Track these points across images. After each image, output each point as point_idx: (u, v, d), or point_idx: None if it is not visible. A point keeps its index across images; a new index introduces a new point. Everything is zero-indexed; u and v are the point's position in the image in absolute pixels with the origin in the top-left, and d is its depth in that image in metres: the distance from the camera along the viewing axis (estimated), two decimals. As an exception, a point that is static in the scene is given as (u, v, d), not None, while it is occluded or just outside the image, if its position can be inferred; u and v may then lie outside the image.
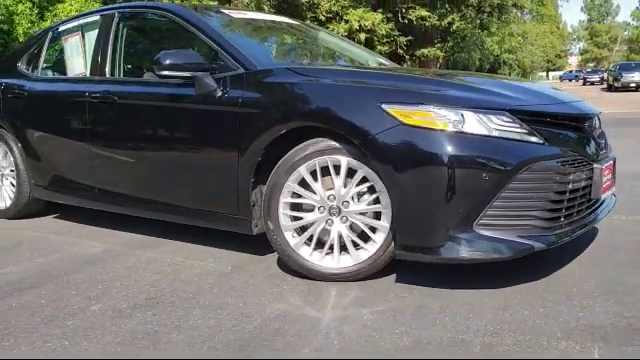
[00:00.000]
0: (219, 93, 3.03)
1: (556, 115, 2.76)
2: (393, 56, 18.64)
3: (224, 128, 3.01)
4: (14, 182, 4.34)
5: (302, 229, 2.81)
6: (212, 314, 2.44)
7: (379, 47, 15.74)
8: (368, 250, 2.72)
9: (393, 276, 2.81)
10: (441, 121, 2.49)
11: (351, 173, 2.70)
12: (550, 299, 2.49)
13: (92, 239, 3.74)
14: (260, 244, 3.20)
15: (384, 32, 15.22)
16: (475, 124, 2.49)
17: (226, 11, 3.86)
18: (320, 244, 2.79)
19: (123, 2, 4.85)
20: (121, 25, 3.79)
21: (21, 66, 4.40)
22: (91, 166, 3.72)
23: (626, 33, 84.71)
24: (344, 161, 2.68)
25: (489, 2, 16.27)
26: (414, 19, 16.30)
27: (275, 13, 13.35)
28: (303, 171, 2.73)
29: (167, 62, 3.02)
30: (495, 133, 2.50)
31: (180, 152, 3.26)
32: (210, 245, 3.45)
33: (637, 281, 2.67)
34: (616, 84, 31.46)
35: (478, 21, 18.86)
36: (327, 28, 14.72)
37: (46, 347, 2.17)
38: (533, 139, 2.55)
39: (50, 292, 2.78)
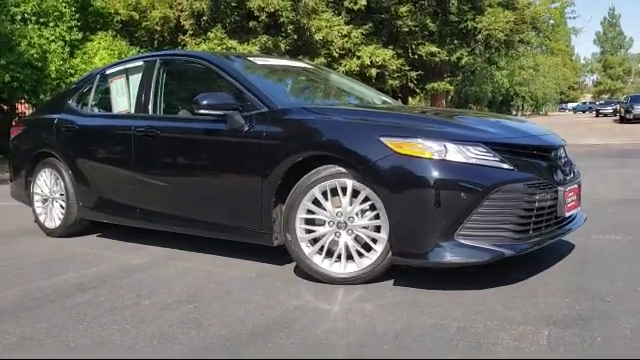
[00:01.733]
0: (247, 128, 3.65)
1: (524, 146, 3.34)
2: (404, 90, 19.37)
3: (251, 157, 3.62)
4: (63, 204, 4.96)
5: (315, 240, 3.39)
6: (241, 307, 3.01)
7: (390, 81, 16.48)
8: (370, 258, 3.28)
9: (391, 280, 3.36)
10: (428, 151, 3.07)
11: (355, 193, 3.28)
12: (519, 297, 3.03)
13: (133, 252, 4.34)
14: (278, 255, 3.77)
15: (395, 67, 15.95)
16: (455, 153, 3.08)
17: (251, 58, 4.53)
18: (329, 253, 3.35)
19: (164, 50, 5.51)
20: (161, 70, 4.45)
21: (72, 103, 5.07)
22: (134, 189, 4.34)
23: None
24: (350, 184, 3.27)
25: (495, 38, 16.98)
26: (424, 54, 17.04)
27: (292, 52, 14.10)
28: (316, 192, 3.32)
29: (204, 102, 3.66)
30: (472, 161, 3.08)
31: (213, 176, 3.87)
32: (235, 257, 4.02)
33: (594, 285, 3.20)
34: (628, 116, 31.92)
35: (487, 55, 19.61)
36: (340, 64, 15.49)
37: (112, 328, 2.75)
38: (504, 166, 3.12)
39: (106, 292, 3.36)
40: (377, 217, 3.24)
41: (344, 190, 3.29)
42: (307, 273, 3.44)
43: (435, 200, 3.01)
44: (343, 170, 3.28)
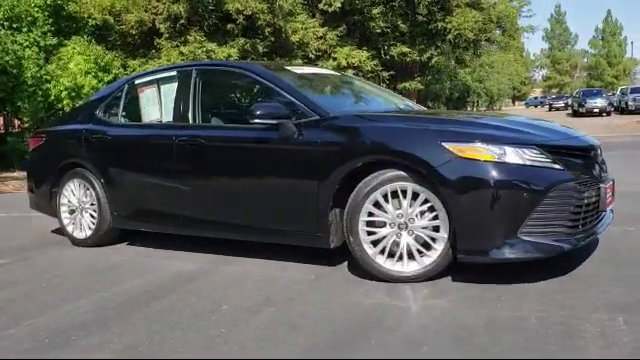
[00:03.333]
0: (298, 135, 3.79)
1: (569, 147, 3.59)
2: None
3: (305, 163, 3.77)
4: (95, 214, 4.99)
5: (376, 242, 3.56)
6: (321, 307, 3.16)
7: (365, 81, 16.70)
8: (431, 256, 3.48)
9: (449, 277, 3.56)
10: (488, 154, 3.29)
11: (415, 196, 3.47)
12: (575, 288, 3.26)
13: (177, 259, 4.42)
14: (322, 256, 3.93)
15: (369, 68, 16.24)
16: (513, 156, 3.30)
17: (289, 67, 4.67)
18: (391, 253, 3.53)
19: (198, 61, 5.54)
20: (198, 79, 4.54)
21: (99, 114, 5.10)
22: (176, 197, 4.42)
23: (585, 60, 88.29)
24: (410, 187, 3.46)
25: (465, 37, 17.47)
26: (395, 55, 17.39)
27: (269, 54, 14.17)
28: (378, 195, 3.50)
29: (259, 112, 3.80)
30: (528, 162, 3.31)
31: (264, 183, 4.00)
32: (282, 259, 4.16)
33: (636, 273, 3.47)
34: (581, 109, 33.33)
35: (456, 55, 20.14)
36: (317, 65, 15.66)
37: (210, 333, 2.87)
38: (556, 166, 3.36)
39: (177, 299, 3.46)
40: (436, 218, 3.44)
41: (404, 193, 3.48)
42: (368, 272, 3.60)
43: (498, 200, 3.23)
44: (403, 174, 3.46)
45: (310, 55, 15.38)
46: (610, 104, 33.79)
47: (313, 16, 15.98)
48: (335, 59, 15.69)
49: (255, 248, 4.35)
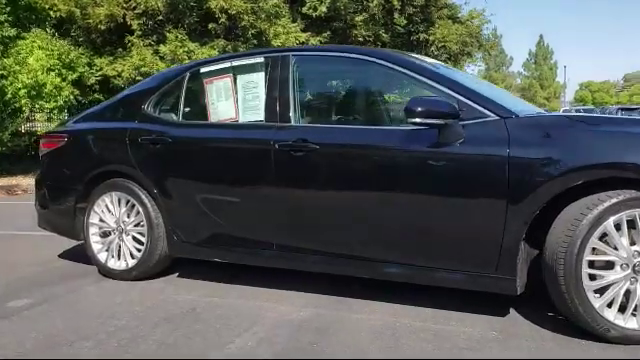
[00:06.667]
0: (472, 141, 2.85)
1: None
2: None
3: (485, 178, 2.82)
4: (142, 238, 3.85)
5: (602, 289, 2.64)
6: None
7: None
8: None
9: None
10: None
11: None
12: None
13: (272, 301, 3.35)
14: (482, 301, 3.00)
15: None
16: None
17: (419, 56, 3.69)
18: (621, 307, 2.63)
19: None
20: (298, 68, 3.51)
21: (148, 109, 3.96)
22: (273, 220, 3.37)
23: (518, 81, 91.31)
24: (656, 214, 2.57)
25: (448, 49, 16.95)
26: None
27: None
28: (609, 225, 2.58)
29: (420, 109, 2.84)
30: None
31: (413, 204, 3.00)
32: (422, 305, 3.18)
33: None
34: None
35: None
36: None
37: None
38: None
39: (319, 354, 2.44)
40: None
41: (642, 222, 2.59)
42: (583, 330, 2.67)
43: None
44: (640, 196, 2.58)
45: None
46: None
47: (294, 21, 15.00)
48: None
49: (377, 286, 3.36)
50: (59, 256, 4.69)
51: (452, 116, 2.87)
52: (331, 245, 3.24)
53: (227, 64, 3.81)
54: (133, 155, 3.84)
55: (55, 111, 12.44)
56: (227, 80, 3.78)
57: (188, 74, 3.94)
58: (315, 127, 3.44)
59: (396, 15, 16.84)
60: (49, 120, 13.24)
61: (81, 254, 4.46)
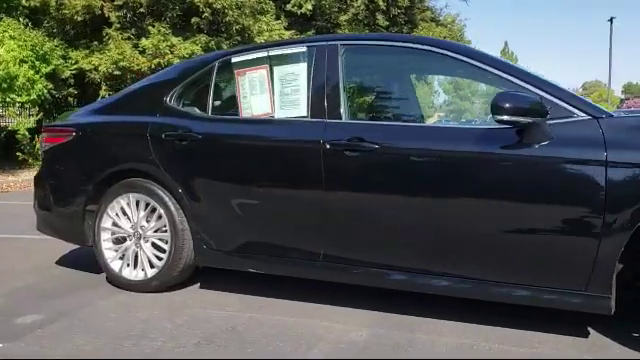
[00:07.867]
0: (559, 142, 2.56)
1: None
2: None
3: (579, 185, 2.52)
4: (163, 246, 3.45)
5: None
6: None
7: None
8: None
9: None
10: None
11: None
12: None
13: (323, 319, 3.00)
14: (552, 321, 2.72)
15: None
16: None
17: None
18: None
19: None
20: (346, 58, 3.17)
21: (172, 102, 3.56)
22: (321, 227, 3.02)
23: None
24: None
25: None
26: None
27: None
28: None
29: (509, 105, 2.53)
30: None
31: (494, 213, 2.68)
32: (499, 325, 2.88)
33: None
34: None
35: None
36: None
37: None
38: None
39: None
40: None
41: None
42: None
43: None
44: None
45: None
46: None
47: (278, 18, 14.61)
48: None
49: (429, 302, 3.04)
50: (56, 263, 4.23)
51: (541, 114, 2.57)
52: (391, 257, 2.91)
53: (263, 53, 3.43)
54: (155, 152, 3.43)
55: (27, 105, 11.79)
56: (262, 72, 3.41)
57: (217, 64, 3.55)
58: (372, 124, 3.11)
59: (379, 16, 16.63)
60: (20, 115, 12.57)
61: (79, 260, 4.09)
